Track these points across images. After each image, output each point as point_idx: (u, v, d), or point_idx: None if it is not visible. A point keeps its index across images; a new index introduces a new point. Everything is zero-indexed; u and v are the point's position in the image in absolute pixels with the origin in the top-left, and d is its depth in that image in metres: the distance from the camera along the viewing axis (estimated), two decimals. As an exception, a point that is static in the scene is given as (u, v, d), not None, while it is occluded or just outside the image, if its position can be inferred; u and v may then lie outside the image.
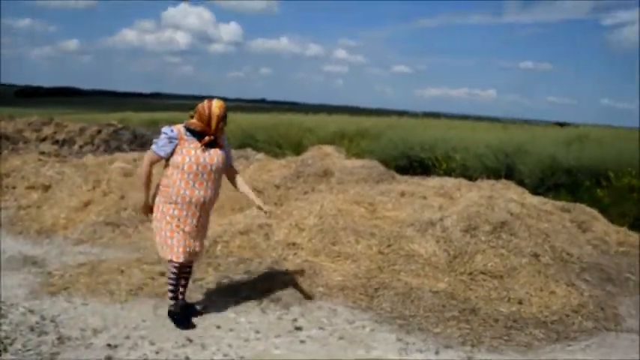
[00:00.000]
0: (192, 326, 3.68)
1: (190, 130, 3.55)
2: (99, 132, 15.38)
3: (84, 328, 3.58)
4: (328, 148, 8.71)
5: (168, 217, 3.56)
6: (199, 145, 3.51)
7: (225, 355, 3.33)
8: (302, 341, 3.57)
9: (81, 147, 14.17)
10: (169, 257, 3.60)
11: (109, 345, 3.36)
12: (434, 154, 11.24)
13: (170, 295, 3.78)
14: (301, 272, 4.62)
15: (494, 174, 10.01)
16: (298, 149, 11.68)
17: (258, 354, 3.36)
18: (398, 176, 7.84)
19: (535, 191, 9.16)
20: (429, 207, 5.76)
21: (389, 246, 4.84)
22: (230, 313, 3.94)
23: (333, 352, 3.43)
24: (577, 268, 5.36)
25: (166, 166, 3.59)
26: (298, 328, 3.76)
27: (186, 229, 3.57)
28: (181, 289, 3.86)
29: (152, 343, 3.42)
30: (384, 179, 7.22)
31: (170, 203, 3.54)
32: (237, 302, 4.14)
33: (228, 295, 4.25)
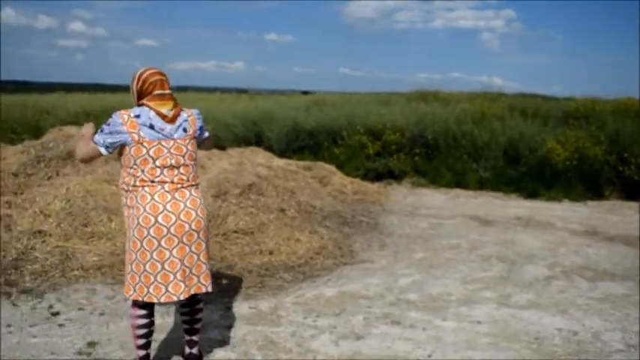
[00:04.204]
0: None
1: None
2: None
3: None
4: (71, 129, 8.20)
5: None
6: None
7: (-28, 356, 3.10)
8: (61, 325, 3.49)
9: None
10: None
11: None
12: (185, 127, 11.34)
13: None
14: (52, 259, 4.42)
15: (244, 142, 10.55)
16: (37, 133, 10.73)
17: (13, 346, 3.20)
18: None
19: (282, 154, 9.94)
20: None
21: (144, 219, 4.89)
22: (-26, 313, 3.63)
23: (94, 329, 3.43)
24: (319, 217, 6.07)
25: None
26: (55, 314, 3.65)
27: None
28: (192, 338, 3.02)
29: None
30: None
31: None
32: (-20, 301, 3.82)
33: (-32, 296, 3.89)
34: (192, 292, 2.76)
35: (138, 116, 2.68)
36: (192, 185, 2.77)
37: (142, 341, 2.82)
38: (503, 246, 5.64)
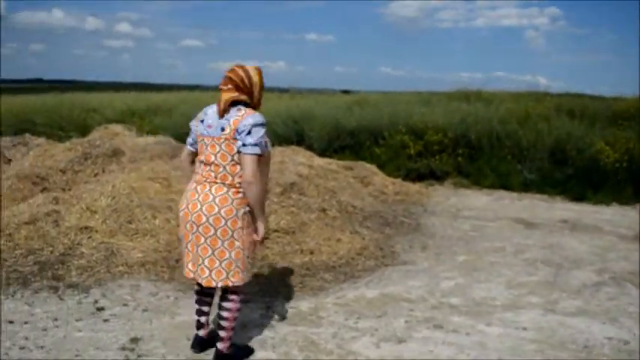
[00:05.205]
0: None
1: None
2: None
3: None
4: (117, 127, 8.42)
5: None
6: None
7: (22, 349, 3.18)
8: (105, 320, 3.55)
9: None
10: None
11: None
12: (227, 125, 11.43)
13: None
14: (98, 254, 4.51)
15: (285, 141, 10.55)
16: (84, 130, 11.01)
17: (60, 340, 3.27)
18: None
19: (323, 154, 9.90)
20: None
21: (187, 217, 4.95)
22: (23, 306, 3.72)
23: (137, 325, 3.48)
24: (360, 218, 6.02)
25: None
26: (100, 309, 3.72)
27: None
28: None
29: None
30: (178, 154, 7.22)
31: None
32: (30, 294, 3.92)
33: (19, 289, 3.99)
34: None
35: (205, 112, 2.91)
36: (218, 183, 2.82)
37: (197, 307, 3.16)
38: (549, 250, 5.48)
